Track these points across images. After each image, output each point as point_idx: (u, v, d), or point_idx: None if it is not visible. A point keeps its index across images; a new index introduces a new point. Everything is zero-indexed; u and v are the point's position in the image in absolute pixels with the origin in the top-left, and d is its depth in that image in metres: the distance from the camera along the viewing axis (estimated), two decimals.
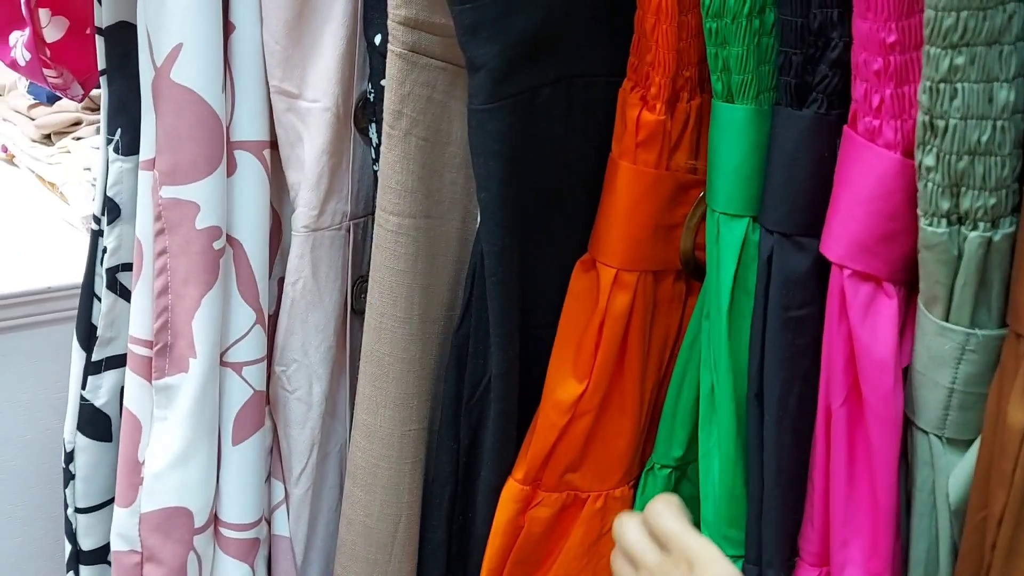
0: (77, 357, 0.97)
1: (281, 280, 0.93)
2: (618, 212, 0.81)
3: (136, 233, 0.88)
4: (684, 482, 0.86)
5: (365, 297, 0.89)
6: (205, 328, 0.86)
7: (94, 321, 0.96)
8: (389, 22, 0.80)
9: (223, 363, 0.89)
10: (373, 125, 0.89)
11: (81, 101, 1.12)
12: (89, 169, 1.52)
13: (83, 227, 1.43)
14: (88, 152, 1.56)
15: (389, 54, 0.81)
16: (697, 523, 0.79)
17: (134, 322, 0.89)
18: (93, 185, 1.39)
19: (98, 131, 1.51)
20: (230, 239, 0.87)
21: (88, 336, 0.96)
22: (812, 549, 0.76)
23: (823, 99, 0.70)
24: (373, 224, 0.89)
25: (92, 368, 0.96)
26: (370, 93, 0.89)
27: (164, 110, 0.82)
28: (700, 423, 0.80)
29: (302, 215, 0.90)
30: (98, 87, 0.95)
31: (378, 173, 0.86)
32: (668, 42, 0.75)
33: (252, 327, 0.90)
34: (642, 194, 0.80)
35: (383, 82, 0.83)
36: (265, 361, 0.92)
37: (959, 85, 0.61)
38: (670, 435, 0.85)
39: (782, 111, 0.72)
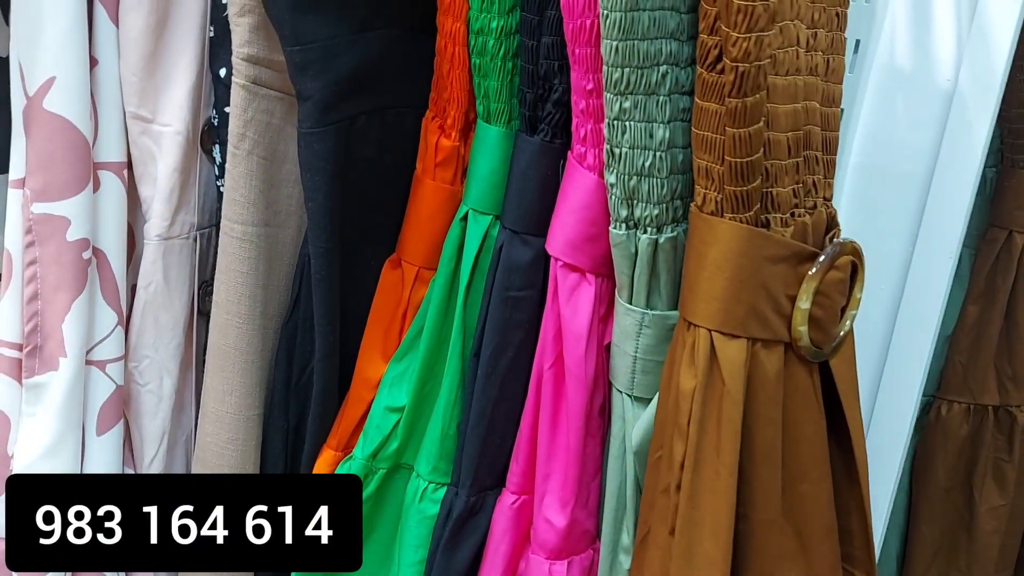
0: None
1: (133, 287, 1.01)
2: (420, 220, 0.92)
3: (5, 244, 0.94)
4: None
5: (209, 300, 0.97)
6: (75, 330, 0.93)
7: None
8: (234, 58, 0.89)
9: (88, 361, 0.97)
10: (216, 146, 0.99)
11: None
12: None
13: None
14: None
15: (234, 85, 0.90)
16: None
17: (2, 326, 0.95)
18: None
19: None
20: (95, 249, 0.95)
21: None
22: (515, 480, 0.89)
23: (548, 130, 0.82)
24: (217, 234, 0.97)
25: None
26: (214, 118, 0.99)
27: (36, 135, 0.89)
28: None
29: (155, 225, 0.99)
30: None
31: (223, 188, 0.93)
32: (461, 84, 0.86)
33: (115, 327, 0.98)
34: (439, 205, 0.91)
35: (227, 109, 0.92)
36: (125, 359, 1.00)
37: (627, 123, 0.74)
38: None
39: (520, 136, 0.84)
